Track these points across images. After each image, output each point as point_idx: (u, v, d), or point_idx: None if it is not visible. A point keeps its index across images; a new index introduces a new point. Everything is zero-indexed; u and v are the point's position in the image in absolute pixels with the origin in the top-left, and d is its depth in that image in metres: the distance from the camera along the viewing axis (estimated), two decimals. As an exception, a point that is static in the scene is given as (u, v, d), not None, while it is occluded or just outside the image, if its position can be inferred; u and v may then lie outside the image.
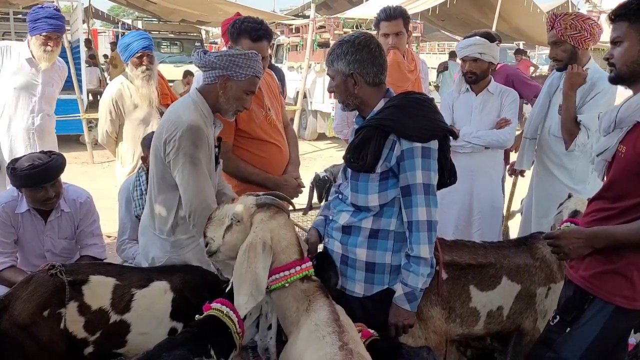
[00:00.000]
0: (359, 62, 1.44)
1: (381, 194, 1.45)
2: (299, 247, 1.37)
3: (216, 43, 15.12)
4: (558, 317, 1.44)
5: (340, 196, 1.57)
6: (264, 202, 1.37)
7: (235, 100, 1.65)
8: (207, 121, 1.65)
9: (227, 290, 1.46)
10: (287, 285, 1.31)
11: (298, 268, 1.33)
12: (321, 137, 7.99)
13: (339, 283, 1.53)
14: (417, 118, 1.42)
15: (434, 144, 1.43)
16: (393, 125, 1.41)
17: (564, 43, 2.14)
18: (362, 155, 1.43)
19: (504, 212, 2.59)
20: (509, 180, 2.86)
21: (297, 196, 2.12)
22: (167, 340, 1.30)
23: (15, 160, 1.92)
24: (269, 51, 3.25)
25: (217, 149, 1.75)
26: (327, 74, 1.53)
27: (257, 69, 1.65)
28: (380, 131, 1.42)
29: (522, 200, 2.55)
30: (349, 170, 1.52)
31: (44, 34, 2.59)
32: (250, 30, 1.89)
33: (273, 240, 1.33)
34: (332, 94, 1.54)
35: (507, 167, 2.56)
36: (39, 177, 1.83)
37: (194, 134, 1.57)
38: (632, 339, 1.74)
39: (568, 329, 1.39)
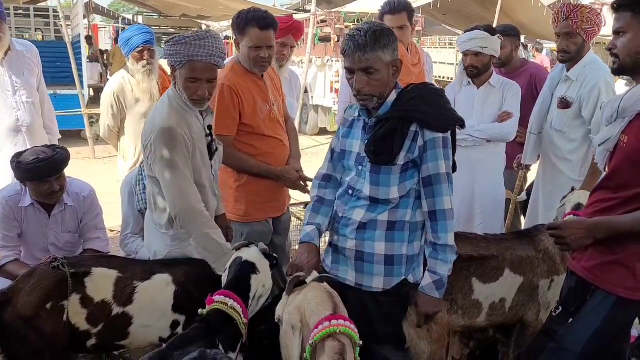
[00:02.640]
0: (397, 50, 1.44)
1: (401, 185, 1.44)
2: None
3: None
4: (560, 308, 1.45)
5: (351, 192, 1.51)
6: None
7: (183, 89, 1.59)
8: (186, 114, 1.62)
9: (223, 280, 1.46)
10: None
11: None
12: (322, 131, 7.98)
13: (354, 280, 1.49)
14: (438, 109, 1.44)
15: (449, 134, 1.45)
16: (419, 116, 1.41)
17: (577, 36, 2.13)
18: (386, 147, 1.41)
19: (510, 205, 2.59)
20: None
21: (297, 188, 2.10)
22: (178, 338, 1.30)
23: (20, 154, 1.91)
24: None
25: (209, 137, 1.72)
26: (361, 68, 1.39)
27: (191, 53, 1.54)
28: (404, 122, 1.41)
29: (527, 187, 2.54)
30: (365, 163, 1.46)
31: None
32: (259, 19, 1.88)
33: None
34: (348, 89, 1.50)
35: (515, 161, 2.55)
36: (44, 170, 1.83)
37: (166, 137, 1.56)
38: (635, 331, 1.74)
39: (570, 319, 1.40)
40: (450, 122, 1.44)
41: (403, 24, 2.37)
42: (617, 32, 1.33)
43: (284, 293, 1.35)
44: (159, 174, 1.61)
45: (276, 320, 1.34)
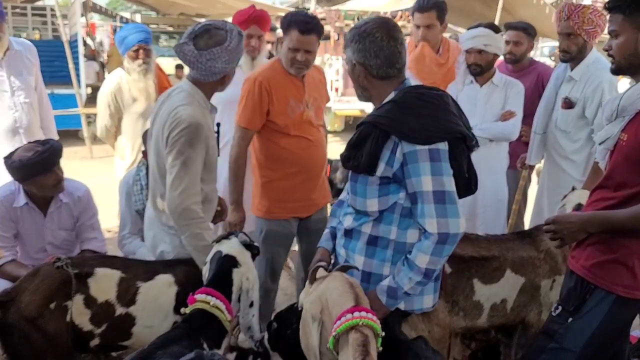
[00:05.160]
0: (361, 52, 1.32)
1: (381, 198, 1.32)
2: None
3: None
4: (560, 307, 1.45)
5: (347, 197, 1.46)
6: None
7: (231, 77, 1.68)
8: (204, 110, 1.65)
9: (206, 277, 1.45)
10: None
11: None
12: (321, 130, 7.96)
13: None
14: (420, 117, 1.26)
15: (443, 145, 1.28)
16: (390, 124, 1.26)
17: (577, 36, 2.14)
18: (356, 154, 1.31)
19: (513, 205, 2.59)
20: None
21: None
22: (161, 338, 1.29)
23: (12, 154, 1.89)
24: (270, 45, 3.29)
25: (216, 134, 1.75)
26: (344, 60, 1.48)
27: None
28: (378, 130, 1.28)
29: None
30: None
31: None
32: (300, 22, 1.90)
33: None
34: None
35: (518, 160, 2.55)
36: (48, 161, 1.84)
37: (192, 132, 1.56)
38: (637, 331, 1.74)
39: (570, 319, 1.40)
40: (436, 132, 1.26)
41: (430, 23, 2.33)
42: (611, 34, 1.34)
43: (307, 281, 1.34)
44: (169, 166, 1.59)
45: (298, 308, 1.33)
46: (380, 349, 1.18)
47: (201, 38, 1.57)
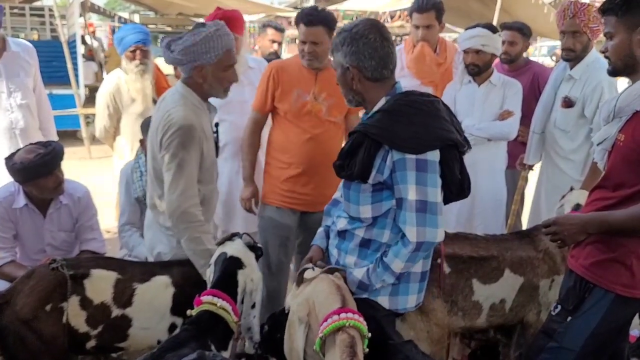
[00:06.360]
0: (355, 54, 1.31)
1: (375, 205, 1.33)
2: None
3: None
4: (559, 306, 1.45)
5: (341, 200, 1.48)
6: None
7: (217, 81, 1.62)
8: (199, 111, 1.64)
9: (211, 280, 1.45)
10: None
11: None
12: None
13: None
14: (411, 125, 1.26)
15: (433, 155, 1.28)
16: (380, 133, 1.27)
17: (583, 34, 2.13)
18: (350, 163, 1.32)
19: (512, 205, 2.58)
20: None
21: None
22: (169, 341, 1.29)
23: (12, 156, 1.89)
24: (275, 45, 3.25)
25: (215, 135, 1.75)
26: (331, 65, 1.47)
27: (225, 43, 1.58)
28: (370, 139, 1.29)
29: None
30: None
31: None
32: (304, 16, 1.97)
33: None
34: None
35: (518, 160, 2.55)
36: (49, 164, 1.84)
37: (184, 134, 1.55)
38: (636, 331, 1.74)
39: (569, 318, 1.40)
40: (426, 141, 1.26)
41: (430, 23, 2.36)
42: (606, 35, 1.35)
43: (294, 284, 1.35)
44: (165, 169, 1.59)
45: (285, 311, 1.33)
46: (367, 350, 1.18)
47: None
